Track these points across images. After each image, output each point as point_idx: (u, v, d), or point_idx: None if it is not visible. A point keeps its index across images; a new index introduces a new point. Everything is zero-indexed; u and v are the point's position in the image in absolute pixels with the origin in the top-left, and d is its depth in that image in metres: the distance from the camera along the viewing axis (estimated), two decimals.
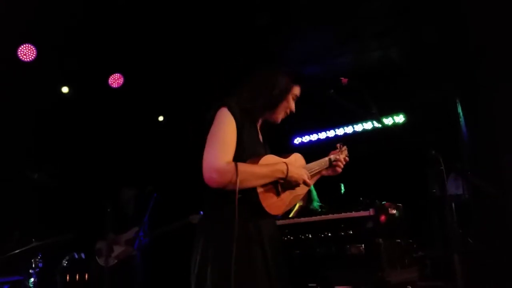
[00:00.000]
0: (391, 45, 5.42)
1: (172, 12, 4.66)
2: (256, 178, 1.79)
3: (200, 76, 5.49)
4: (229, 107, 1.87)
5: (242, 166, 1.74)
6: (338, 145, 2.32)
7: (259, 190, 1.80)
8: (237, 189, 1.69)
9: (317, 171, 2.19)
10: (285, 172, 1.86)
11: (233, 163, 1.73)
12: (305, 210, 3.85)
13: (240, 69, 5.17)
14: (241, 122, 1.87)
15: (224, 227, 1.73)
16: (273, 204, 1.86)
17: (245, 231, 1.75)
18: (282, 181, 1.88)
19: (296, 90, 2.06)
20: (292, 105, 2.06)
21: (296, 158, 2.05)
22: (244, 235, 1.74)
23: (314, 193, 4.17)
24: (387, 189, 4.60)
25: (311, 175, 2.06)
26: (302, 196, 2.09)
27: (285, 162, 1.90)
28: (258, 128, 2.06)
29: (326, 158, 2.23)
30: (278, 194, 1.90)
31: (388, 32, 5.16)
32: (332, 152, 2.28)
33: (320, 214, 3.23)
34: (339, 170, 2.23)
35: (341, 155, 2.25)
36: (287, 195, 1.95)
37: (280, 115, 2.05)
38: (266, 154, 1.97)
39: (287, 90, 2.02)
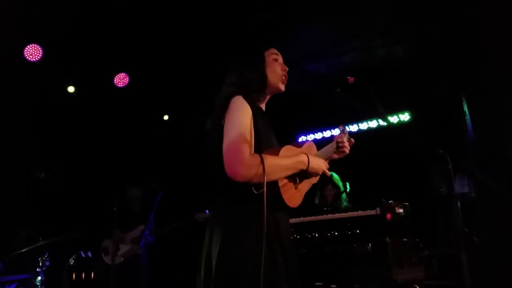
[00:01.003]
0: (396, 42, 5.40)
1: (177, 12, 4.67)
2: (280, 171, 1.73)
3: (204, 75, 5.50)
4: (244, 95, 1.81)
5: (267, 159, 1.67)
6: (340, 127, 2.30)
7: (281, 183, 1.75)
8: (264, 182, 1.62)
9: (327, 157, 2.17)
10: (307, 163, 1.82)
11: (257, 156, 1.67)
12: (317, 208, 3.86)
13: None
14: (255, 110, 1.81)
15: (246, 223, 1.67)
16: (292, 196, 1.81)
17: (267, 229, 1.66)
18: (301, 172, 1.83)
19: (271, 53, 2.04)
20: (280, 67, 2.03)
21: (310, 147, 2.02)
22: (267, 234, 1.66)
23: (344, 194, 4.20)
24: (393, 188, 4.60)
25: None
26: (314, 182, 2.05)
27: (305, 153, 1.86)
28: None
29: (334, 143, 2.20)
30: (296, 185, 1.85)
31: (392, 30, 5.14)
32: (336, 136, 2.25)
33: (326, 213, 3.23)
34: (347, 151, 2.18)
35: (344, 137, 2.22)
36: (304, 186, 1.91)
37: (277, 83, 2.01)
38: (275, 140, 1.93)
39: (267, 58, 2.02)
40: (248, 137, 1.71)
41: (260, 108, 1.97)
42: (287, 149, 1.82)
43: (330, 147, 2.18)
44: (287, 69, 2.06)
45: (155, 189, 4.71)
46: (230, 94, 1.83)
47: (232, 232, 1.71)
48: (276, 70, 2.02)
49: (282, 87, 2.04)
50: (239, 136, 1.69)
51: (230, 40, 4.95)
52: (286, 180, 1.79)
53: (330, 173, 2.10)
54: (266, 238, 1.62)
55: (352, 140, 2.21)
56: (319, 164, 1.89)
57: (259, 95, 1.96)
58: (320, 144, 2.17)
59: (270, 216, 1.73)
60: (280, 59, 2.07)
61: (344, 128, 2.28)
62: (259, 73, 1.97)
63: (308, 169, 1.83)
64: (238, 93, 1.82)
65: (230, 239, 1.70)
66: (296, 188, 1.85)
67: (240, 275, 1.64)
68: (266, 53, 2.05)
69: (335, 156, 2.19)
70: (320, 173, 1.91)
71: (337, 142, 2.18)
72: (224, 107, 1.79)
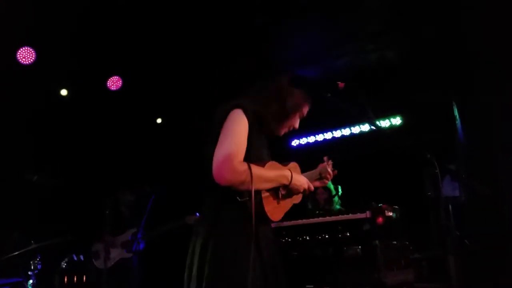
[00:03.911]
0: (388, 46, 5.45)
1: (171, 14, 4.69)
2: (263, 182, 1.80)
3: (198, 78, 5.52)
4: (244, 109, 1.86)
5: (253, 168, 1.73)
6: (325, 158, 2.38)
7: (263, 194, 1.82)
8: (253, 190, 1.69)
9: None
10: (290, 179, 1.90)
11: (246, 164, 1.73)
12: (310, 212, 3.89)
13: (237, 71, 5.20)
14: (252, 125, 1.87)
15: (227, 230, 1.74)
16: (273, 209, 1.88)
17: (243, 236, 1.73)
18: (284, 188, 1.92)
19: (305, 109, 2.11)
20: (297, 123, 2.10)
21: (294, 167, 2.08)
22: (244, 238, 1.72)
23: (336, 198, 4.26)
24: (384, 191, 4.63)
25: None
26: (297, 202, 2.12)
27: (289, 169, 1.94)
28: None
29: (317, 170, 2.31)
30: (278, 200, 1.92)
31: (385, 34, 5.19)
32: (321, 164, 2.35)
33: (317, 216, 3.26)
34: (326, 182, 2.30)
35: (328, 168, 2.32)
36: (286, 202, 1.98)
37: (283, 129, 2.09)
38: (268, 158, 1.98)
39: (299, 108, 2.06)
40: (240, 147, 1.78)
41: (261, 127, 1.98)
42: (272, 165, 1.90)
43: (314, 173, 2.29)
44: (297, 127, 2.12)
45: (148, 192, 4.71)
46: (231, 106, 1.87)
47: (213, 237, 1.77)
48: (293, 123, 2.09)
49: (281, 133, 2.09)
50: (230, 144, 1.75)
51: (226, 43, 4.97)
52: (268, 193, 1.86)
53: None
54: (242, 249, 1.68)
55: (335, 171, 2.32)
56: (301, 181, 1.97)
57: (268, 120, 1.97)
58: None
59: (249, 226, 1.75)
60: (299, 119, 2.11)
61: (329, 160, 2.37)
62: (291, 111, 2.01)
63: (290, 185, 1.91)
64: (239, 107, 1.86)
65: (209, 245, 1.76)
66: (278, 203, 1.92)
67: (217, 280, 1.70)
68: (305, 106, 2.09)
69: (317, 183, 2.27)
70: (301, 190, 1.99)
71: (321, 173, 2.28)
72: (223, 117, 1.85)
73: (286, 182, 1.90)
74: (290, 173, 1.91)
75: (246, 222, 1.69)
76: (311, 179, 2.21)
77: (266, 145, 2.03)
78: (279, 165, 1.96)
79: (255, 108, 1.91)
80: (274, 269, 1.86)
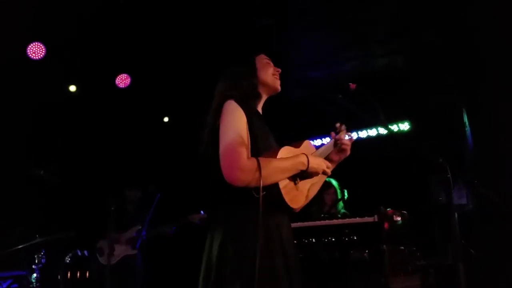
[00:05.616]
0: (397, 51, 5.43)
1: (179, 13, 4.70)
2: (279, 173, 1.72)
3: (205, 78, 5.51)
4: (236, 99, 1.80)
5: (265, 162, 1.66)
6: (337, 125, 2.09)
7: (282, 184, 1.73)
8: (261, 186, 1.61)
9: (326, 155, 2.04)
10: (306, 163, 1.79)
11: (254, 159, 1.65)
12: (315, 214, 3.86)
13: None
14: (249, 113, 1.80)
15: (245, 226, 1.67)
16: (294, 197, 1.80)
17: (266, 231, 1.66)
18: (302, 173, 1.81)
19: (263, 58, 2.06)
20: (271, 68, 2.04)
21: (307, 146, 1.98)
22: (266, 235, 1.66)
23: (341, 202, 4.24)
24: (392, 196, 4.60)
25: None
26: (320, 184, 2.02)
27: (304, 154, 1.83)
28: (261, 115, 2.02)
29: (331, 141, 2.06)
30: (297, 186, 1.84)
31: (393, 39, 5.17)
32: (333, 133, 2.08)
33: (324, 219, 3.23)
34: (347, 149, 2.04)
35: (341, 134, 2.07)
36: (305, 186, 1.90)
37: (273, 82, 2.03)
38: (274, 142, 1.92)
39: (252, 64, 2.02)
40: (244, 140, 1.70)
41: (257, 111, 1.96)
42: (285, 150, 1.81)
43: (328, 147, 2.06)
44: (280, 70, 2.07)
45: (153, 191, 4.71)
46: (222, 99, 1.83)
47: (231, 235, 1.71)
48: (269, 71, 2.03)
49: (278, 86, 2.04)
50: (234, 140, 1.68)
51: (227, 44, 4.97)
52: (287, 181, 1.77)
53: (329, 179, 2.08)
54: (266, 241, 1.61)
55: (353, 137, 2.08)
56: (319, 163, 1.86)
57: (254, 99, 1.96)
58: None
59: (271, 219, 1.72)
60: (271, 64, 2.08)
61: (341, 125, 2.09)
62: (252, 78, 1.98)
63: (308, 170, 1.81)
64: (230, 98, 1.81)
65: (229, 242, 1.70)
66: (297, 189, 1.84)
67: (238, 277, 1.63)
68: (257, 58, 2.06)
69: (335, 157, 2.05)
70: (320, 172, 1.87)
71: (335, 140, 2.04)
72: (217, 113, 1.79)
73: (303, 168, 1.78)
74: (306, 158, 1.80)
75: (266, 218, 1.62)
76: (326, 153, 2.05)
77: (268, 129, 1.95)
78: (293, 149, 1.87)
79: (241, 96, 1.86)
80: (294, 267, 1.78)
